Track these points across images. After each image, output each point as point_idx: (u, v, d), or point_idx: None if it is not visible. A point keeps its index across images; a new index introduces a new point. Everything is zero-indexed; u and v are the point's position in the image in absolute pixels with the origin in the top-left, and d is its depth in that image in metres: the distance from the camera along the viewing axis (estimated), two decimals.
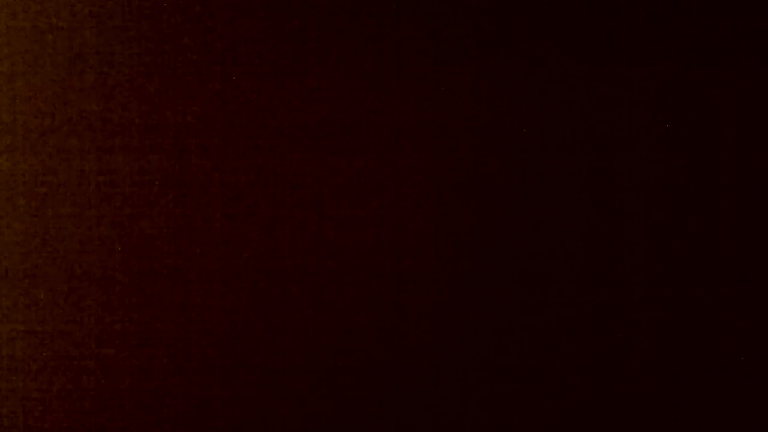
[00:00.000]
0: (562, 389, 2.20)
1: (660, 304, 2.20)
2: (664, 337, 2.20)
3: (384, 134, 2.21)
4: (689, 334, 2.20)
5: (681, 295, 2.20)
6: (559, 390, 2.20)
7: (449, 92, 2.21)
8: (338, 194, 2.20)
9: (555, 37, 2.21)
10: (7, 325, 2.19)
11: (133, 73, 2.21)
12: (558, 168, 2.20)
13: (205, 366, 2.20)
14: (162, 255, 2.20)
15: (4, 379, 2.19)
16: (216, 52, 2.21)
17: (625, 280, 2.19)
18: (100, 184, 2.20)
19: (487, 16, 2.21)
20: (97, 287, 2.20)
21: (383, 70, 2.21)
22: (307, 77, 2.21)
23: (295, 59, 2.21)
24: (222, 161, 2.21)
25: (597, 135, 2.20)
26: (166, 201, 2.20)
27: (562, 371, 2.20)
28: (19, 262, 2.19)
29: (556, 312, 2.19)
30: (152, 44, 2.21)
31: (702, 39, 2.21)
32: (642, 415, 2.20)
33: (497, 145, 2.20)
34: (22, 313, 2.19)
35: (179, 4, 2.22)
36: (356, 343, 2.20)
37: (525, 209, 2.20)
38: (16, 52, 2.21)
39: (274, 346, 2.20)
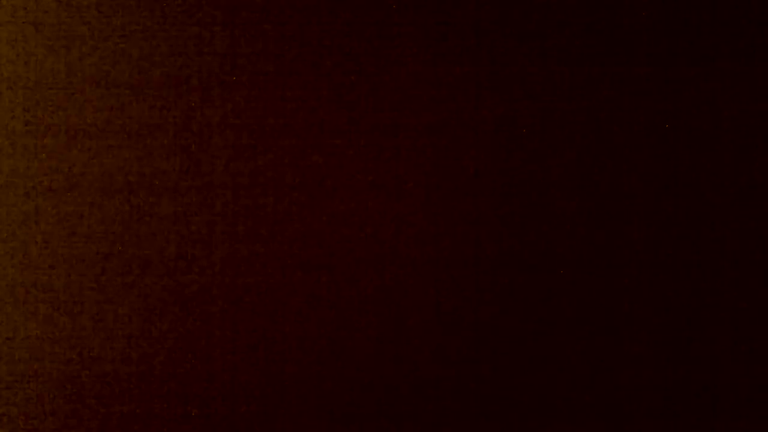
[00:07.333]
0: (562, 388, 2.20)
1: (660, 304, 2.20)
2: (664, 337, 2.20)
3: (384, 134, 2.21)
4: (689, 333, 2.20)
5: (681, 294, 2.20)
6: (559, 389, 2.20)
7: (449, 92, 2.21)
8: (338, 194, 2.20)
9: (555, 37, 2.21)
10: (6, 326, 2.19)
11: (134, 74, 2.21)
12: (558, 168, 2.20)
13: (205, 365, 2.20)
14: (162, 254, 2.20)
15: (3, 380, 2.19)
16: (217, 53, 2.21)
17: (625, 280, 2.20)
18: (101, 183, 2.20)
19: (487, 16, 2.22)
20: (96, 286, 2.20)
21: (383, 70, 2.21)
22: (307, 77, 2.21)
23: (295, 59, 2.21)
24: (222, 161, 2.21)
25: (597, 135, 2.21)
26: (166, 201, 2.20)
27: (562, 371, 2.20)
28: (19, 263, 2.19)
29: (557, 311, 2.20)
30: (153, 44, 2.21)
31: (702, 39, 2.21)
32: (642, 415, 2.21)
33: (497, 145, 2.21)
34: (22, 313, 2.19)
35: (180, 4, 2.22)
36: (356, 342, 2.20)
37: (525, 209, 2.20)
38: (16, 52, 2.21)
39: (274, 345, 2.20)
